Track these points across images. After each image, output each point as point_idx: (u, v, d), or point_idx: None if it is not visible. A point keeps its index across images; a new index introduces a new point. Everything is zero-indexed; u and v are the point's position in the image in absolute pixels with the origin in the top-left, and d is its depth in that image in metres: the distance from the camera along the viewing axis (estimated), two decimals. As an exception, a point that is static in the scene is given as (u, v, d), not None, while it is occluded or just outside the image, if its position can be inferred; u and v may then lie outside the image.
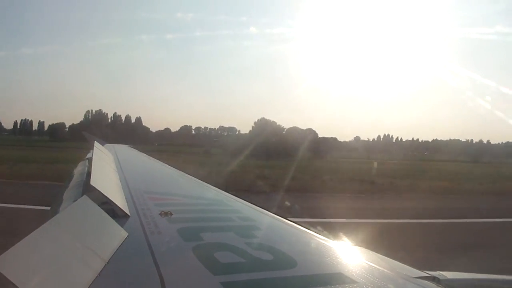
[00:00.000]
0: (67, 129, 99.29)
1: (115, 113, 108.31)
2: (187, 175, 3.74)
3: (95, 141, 4.45)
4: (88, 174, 2.41)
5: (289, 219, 1.94)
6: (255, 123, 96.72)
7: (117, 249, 1.20)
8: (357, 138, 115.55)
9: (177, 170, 4.12)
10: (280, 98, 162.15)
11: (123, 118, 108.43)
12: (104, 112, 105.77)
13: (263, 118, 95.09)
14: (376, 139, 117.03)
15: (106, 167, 2.82)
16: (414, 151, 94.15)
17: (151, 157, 5.92)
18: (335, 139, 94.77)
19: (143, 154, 6.75)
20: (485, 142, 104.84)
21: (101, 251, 1.12)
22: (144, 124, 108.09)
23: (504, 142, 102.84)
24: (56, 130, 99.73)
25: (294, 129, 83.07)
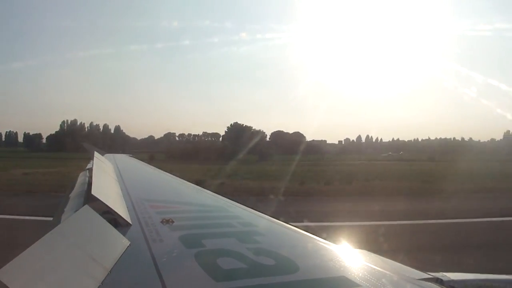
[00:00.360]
0: (44, 140, 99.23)
1: (91, 122, 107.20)
2: (187, 182, 3.74)
3: (95, 151, 4.47)
4: (89, 184, 2.42)
5: (290, 223, 1.94)
6: (228, 127, 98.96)
7: (119, 258, 1.20)
8: (347, 140, 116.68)
9: (177, 178, 4.13)
10: (270, 103, 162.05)
11: (101, 127, 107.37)
12: (81, 122, 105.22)
13: (236, 122, 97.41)
14: (355, 140, 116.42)
15: (106, 177, 2.82)
16: (392, 151, 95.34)
17: (151, 166, 5.92)
18: (324, 141, 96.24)
19: (143, 163, 6.76)
20: (466, 139, 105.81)
21: (103, 260, 1.12)
22: (125, 132, 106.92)
23: (489, 140, 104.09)
24: (33, 140, 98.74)
25: (278, 133, 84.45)
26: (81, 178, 3.55)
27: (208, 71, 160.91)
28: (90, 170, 3.23)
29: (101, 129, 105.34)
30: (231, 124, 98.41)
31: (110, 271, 1.09)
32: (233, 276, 1.15)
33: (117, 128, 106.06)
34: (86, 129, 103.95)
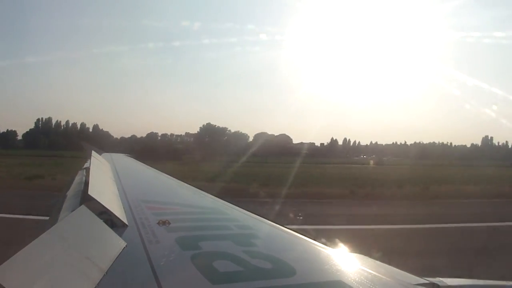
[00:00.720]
0: (20, 137, 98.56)
1: (67, 120, 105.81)
2: (184, 183, 3.73)
3: (93, 151, 4.45)
4: (86, 183, 2.41)
5: (287, 226, 1.94)
6: (200, 128, 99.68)
7: (115, 259, 1.20)
8: (335, 141, 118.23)
9: (175, 179, 4.12)
10: (261, 106, 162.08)
11: (78, 125, 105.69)
12: (58, 120, 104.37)
13: (209, 123, 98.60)
14: (329, 143, 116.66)
15: (103, 177, 2.81)
16: (367, 154, 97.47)
17: (148, 166, 5.91)
18: (313, 144, 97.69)
19: (141, 163, 6.74)
20: (446, 144, 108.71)
21: (99, 261, 1.12)
22: (109, 132, 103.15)
23: (469, 145, 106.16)
24: (7, 137, 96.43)
25: (261, 135, 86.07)
26: (78, 177, 3.54)
27: (198, 73, 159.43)
28: (87, 169, 3.22)
29: (79, 128, 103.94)
30: (203, 124, 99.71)
31: (106, 272, 1.09)
32: (229, 279, 1.15)
33: (96, 127, 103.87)
34: (62, 127, 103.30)
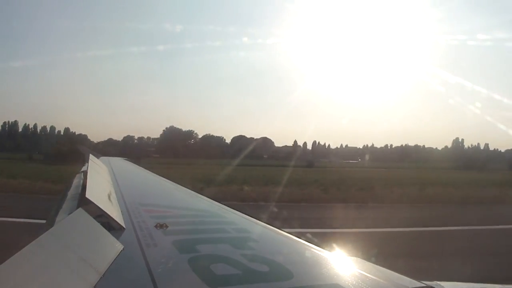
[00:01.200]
0: None
1: (35, 123, 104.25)
2: (182, 187, 3.73)
3: (90, 154, 4.45)
4: (84, 187, 2.40)
5: (284, 230, 1.94)
6: (163, 131, 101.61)
7: (112, 262, 1.20)
8: (314, 144, 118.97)
9: (172, 183, 4.11)
10: (242, 109, 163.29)
11: (48, 128, 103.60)
12: (26, 123, 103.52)
13: (172, 126, 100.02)
14: (298, 145, 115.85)
15: (101, 180, 2.81)
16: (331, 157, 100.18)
17: (146, 170, 5.90)
18: (291, 147, 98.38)
19: (138, 166, 6.73)
20: (420, 146, 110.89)
21: (96, 264, 1.11)
22: (84, 134, 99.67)
23: (443, 147, 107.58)
24: None
25: (240, 138, 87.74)
26: (76, 180, 3.53)
27: (178, 76, 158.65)
28: (85, 172, 3.22)
29: (48, 131, 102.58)
30: (166, 127, 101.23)
31: (103, 275, 1.08)
32: (226, 282, 1.15)
33: (67, 130, 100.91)
34: (31, 131, 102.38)
